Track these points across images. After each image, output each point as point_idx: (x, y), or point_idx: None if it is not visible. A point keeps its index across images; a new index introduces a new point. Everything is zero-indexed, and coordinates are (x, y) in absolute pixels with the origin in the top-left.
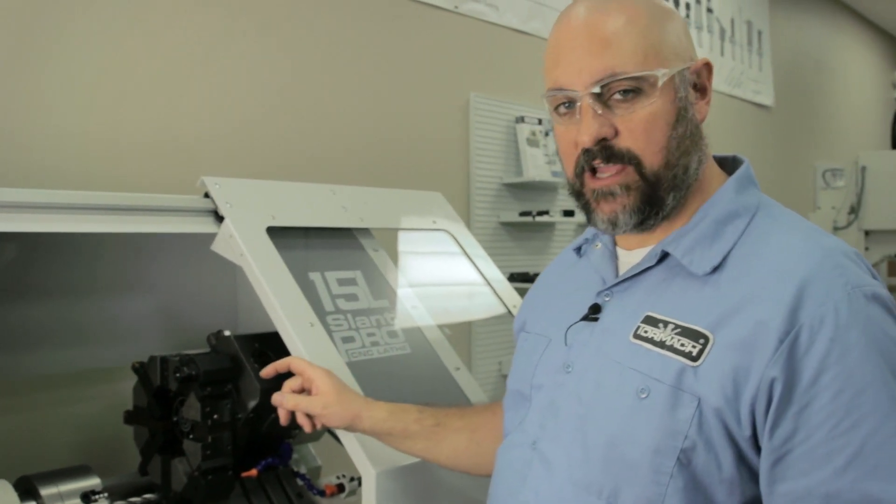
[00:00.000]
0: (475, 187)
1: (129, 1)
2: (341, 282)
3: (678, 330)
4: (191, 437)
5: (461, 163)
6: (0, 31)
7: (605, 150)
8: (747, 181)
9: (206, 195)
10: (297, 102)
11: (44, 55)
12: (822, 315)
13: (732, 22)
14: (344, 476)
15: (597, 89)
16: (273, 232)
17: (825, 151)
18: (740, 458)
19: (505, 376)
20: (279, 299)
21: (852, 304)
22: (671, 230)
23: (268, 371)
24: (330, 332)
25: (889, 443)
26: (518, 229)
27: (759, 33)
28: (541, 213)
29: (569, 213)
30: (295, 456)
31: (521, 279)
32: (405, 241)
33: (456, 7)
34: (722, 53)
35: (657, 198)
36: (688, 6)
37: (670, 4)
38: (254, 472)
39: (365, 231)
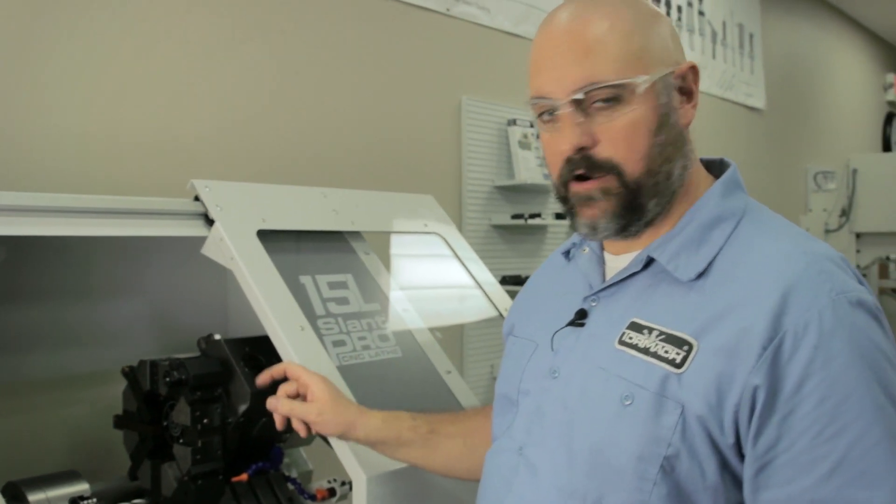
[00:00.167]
0: (467, 190)
1: (126, 5)
2: (332, 285)
3: (662, 336)
4: (181, 441)
5: (453, 165)
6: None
7: (585, 160)
8: (734, 185)
9: (197, 198)
10: (288, 105)
11: (42, 57)
12: (807, 321)
13: (724, 25)
14: (335, 480)
15: (579, 96)
16: (264, 235)
17: (816, 154)
18: (724, 465)
19: (496, 379)
20: (269, 303)
21: (837, 310)
22: (658, 235)
23: (263, 378)
24: (321, 336)
25: (873, 449)
26: (510, 232)
27: (751, 36)
28: (533, 216)
29: (561, 216)
30: (286, 460)
31: (513, 282)
32: (396, 245)
33: (448, 10)
34: (714, 56)
35: (638, 204)
36: (679, 9)
37: (658, 7)
38: (244, 476)
39: (356, 234)
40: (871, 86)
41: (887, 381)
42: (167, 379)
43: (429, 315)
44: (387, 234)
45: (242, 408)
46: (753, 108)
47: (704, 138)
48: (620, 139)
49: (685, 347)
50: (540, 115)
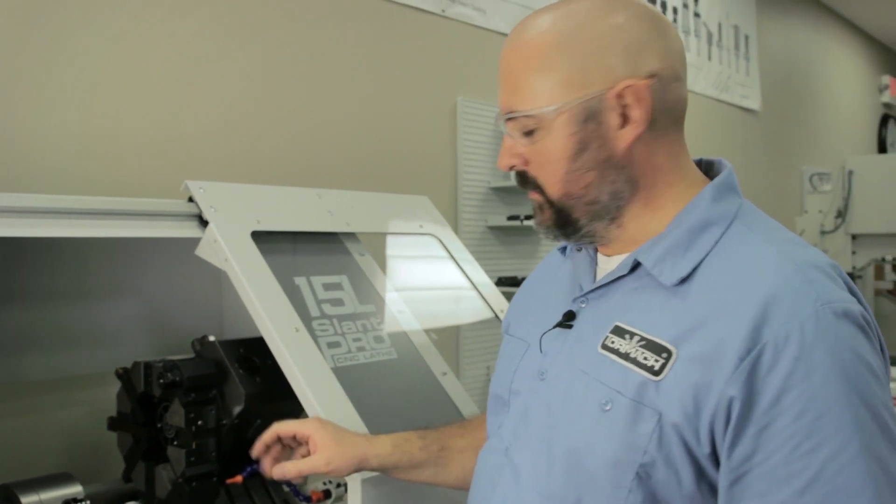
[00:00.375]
0: (463, 191)
1: (122, 6)
2: (327, 286)
3: (643, 343)
4: (175, 443)
5: (449, 166)
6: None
7: (518, 176)
8: (726, 188)
9: (191, 199)
10: (284, 106)
11: (39, 58)
12: (787, 333)
13: (720, 26)
14: (330, 482)
15: (505, 120)
16: (258, 236)
17: (812, 155)
18: (700, 474)
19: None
20: (264, 304)
21: (820, 321)
22: (647, 238)
23: (258, 450)
24: (315, 338)
25: (849, 467)
26: (506, 233)
27: (747, 38)
28: (529, 217)
29: None
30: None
31: (509, 283)
32: (392, 246)
33: (443, 11)
34: (709, 58)
35: (570, 220)
36: (675, 11)
37: (613, 19)
38: (239, 478)
39: (351, 235)
40: (866, 87)
41: (870, 395)
42: (161, 380)
43: (424, 316)
44: (382, 235)
45: (237, 409)
46: (749, 110)
47: (700, 140)
48: (538, 164)
49: (664, 355)
50: None
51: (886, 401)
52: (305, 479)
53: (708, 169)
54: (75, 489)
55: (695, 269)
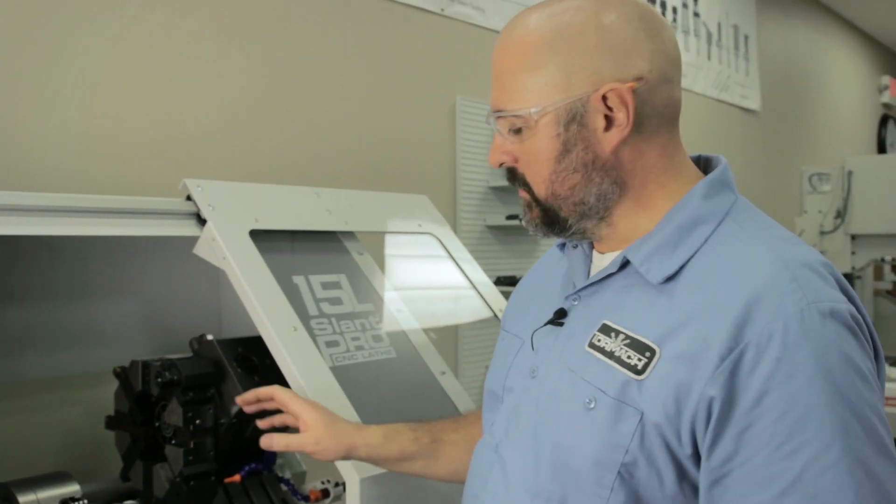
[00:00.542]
0: (461, 190)
1: (122, 6)
2: (325, 285)
3: (627, 341)
4: (173, 442)
5: (448, 166)
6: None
7: (508, 173)
8: (719, 185)
9: (189, 198)
10: (283, 105)
11: (39, 57)
12: (771, 332)
13: (719, 26)
14: (328, 481)
15: (494, 118)
16: (256, 235)
17: (812, 156)
18: (682, 475)
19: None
20: (262, 303)
21: (804, 321)
22: (638, 236)
23: (247, 398)
24: (314, 337)
25: (830, 471)
26: (505, 233)
27: (746, 38)
28: None
29: None
30: (279, 461)
31: (508, 283)
32: (390, 245)
33: (442, 10)
34: (709, 57)
35: (557, 219)
36: (675, 10)
37: (601, 19)
38: (237, 477)
39: (350, 234)
40: (866, 88)
41: (856, 397)
42: (159, 379)
43: (423, 316)
44: (381, 234)
45: (235, 409)
46: (748, 110)
47: (699, 140)
48: (525, 163)
49: (647, 354)
50: None
51: (875, 403)
52: (304, 478)
53: (706, 165)
54: (73, 488)
55: (682, 268)
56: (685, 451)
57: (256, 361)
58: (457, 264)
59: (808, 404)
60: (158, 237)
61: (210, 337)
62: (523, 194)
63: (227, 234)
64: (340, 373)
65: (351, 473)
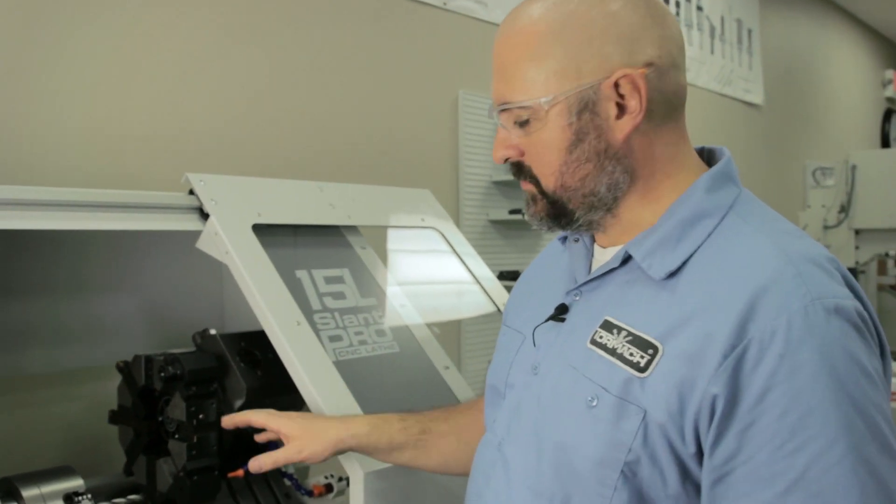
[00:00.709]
0: (464, 185)
1: (127, 2)
2: (328, 280)
3: (630, 338)
4: (176, 437)
5: (450, 160)
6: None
7: (513, 167)
8: (723, 178)
9: (191, 192)
10: (285, 100)
11: (41, 52)
12: (774, 329)
13: (722, 20)
14: (332, 476)
15: (498, 112)
16: (259, 229)
17: (815, 150)
18: (686, 474)
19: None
20: (265, 298)
21: (808, 317)
22: (641, 230)
23: (226, 423)
24: (317, 331)
25: (834, 469)
26: (507, 227)
27: (749, 31)
28: None
29: None
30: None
31: (511, 277)
32: (393, 239)
33: (444, 3)
34: (712, 51)
35: (565, 211)
36: (678, 4)
37: (607, 6)
38: (240, 472)
39: (353, 229)
40: (869, 82)
41: (860, 395)
42: (162, 374)
43: (426, 310)
44: (383, 228)
45: (238, 403)
46: (752, 104)
47: (702, 134)
48: (533, 154)
49: (650, 351)
50: None
51: (879, 402)
52: (307, 472)
53: (710, 158)
54: (76, 483)
55: (685, 263)
56: (689, 450)
57: (259, 356)
58: (460, 259)
59: (811, 401)
60: (161, 231)
61: (213, 331)
62: (528, 187)
63: (229, 228)
64: (344, 367)
65: (355, 468)
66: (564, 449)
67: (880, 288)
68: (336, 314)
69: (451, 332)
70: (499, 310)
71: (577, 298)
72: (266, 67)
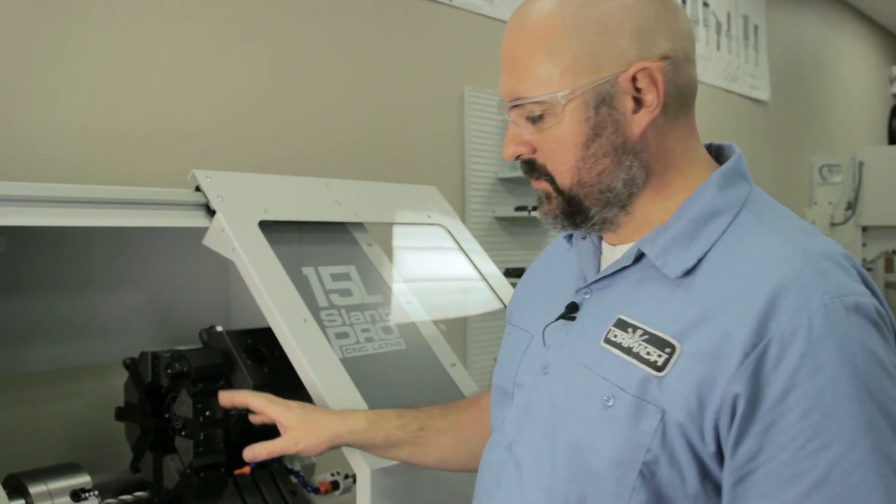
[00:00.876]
0: (470, 182)
1: None
2: (335, 277)
3: (646, 337)
4: (183, 434)
5: (456, 157)
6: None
7: (525, 164)
8: (735, 175)
9: (198, 188)
10: (290, 96)
11: (44, 48)
12: (795, 327)
13: (729, 16)
14: (338, 473)
15: (511, 107)
16: (265, 226)
17: (822, 147)
18: (705, 473)
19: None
20: (271, 294)
21: (829, 315)
22: (652, 227)
23: (224, 400)
24: (323, 328)
25: (858, 469)
26: (513, 224)
27: (756, 28)
28: (536, 208)
29: None
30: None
31: (517, 274)
32: (400, 236)
33: (450, 0)
34: (718, 48)
35: (579, 209)
36: (683, 0)
37: None
38: (247, 469)
39: (359, 225)
40: (876, 78)
41: (882, 393)
42: (169, 371)
43: (432, 307)
44: (390, 225)
45: None
46: (758, 101)
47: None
48: (548, 151)
49: (667, 350)
50: None
51: None
52: (313, 469)
53: (718, 154)
54: (83, 479)
55: (700, 261)
56: (708, 450)
57: (266, 353)
58: (466, 255)
59: (833, 401)
60: (167, 228)
61: (219, 328)
62: (542, 185)
63: (236, 225)
64: (350, 364)
65: (361, 465)
66: (579, 449)
67: (888, 285)
68: (343, 311)
69: (457, 329)
70: (505, 307)
71: (587, 297)
72: (270, 64)
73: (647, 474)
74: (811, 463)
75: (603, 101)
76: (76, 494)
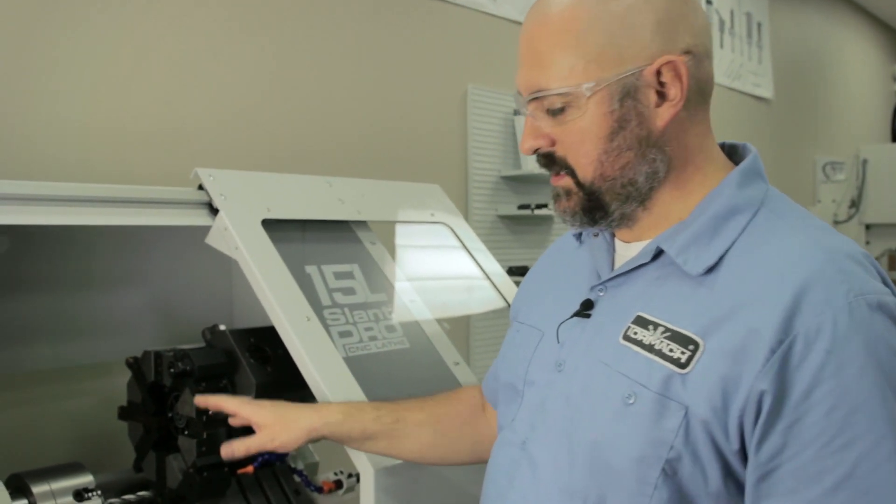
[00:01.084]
0: (473, 180)
1: None
2: (338, 275)
3: (668, 334)
4: (186, 433)
5: (459, 155)
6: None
7: (543, 158)
8: (753, 174)
9: (200, 187)
10: (292, 94)
11: (45, 46)
12: (820, 324)
13: (732, 14)
14: (342, 472)
15: (531, 100)
16: (268, 224)
17: (825, 144)
18: (728, 471)
19: (499, 367)
20: (274, 293)
21: (853, 313)
22: (670, 223)
23: (199, 401)
24: (327, 327)
25: (884, 465)
26: (516, 222)
27: (759, 25)
28: (539, 207)
29: None
30: (292, 452)
31: (520, 273)
32: (403, 234)
33: None
34: (721, 45)
35: (600, 204)
36: None
37: None
38: (250, 468)
39: (362, 224)
40: (880, 76)
41: None
42: (172, 370)
43: (436, 306)
44: (393, 223)
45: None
46: (761, 99)
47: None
48: (570, 144)
49: (691, 347)
50: None
51: None
52: (317, 468)
53: (731, 153)
54: (86, 479)
55: (721, 258)
56: (732, 447)
57: (269, 352)
58: (469, 254)
59: (859, 398)
60: (170, 227)
61: (223, 327)
62: (563, 181)
63: (239, 223)
64: (354, 363)
65: (365, 465)
66: (599, 447)
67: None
68: (346, 310)
69: (460, 328)
70: (509, 305)
71: (602, 294)
72: (273, 62)
73: (670, 472)
74: (836, 460)
75: (628, 94)
76: (79, 494)
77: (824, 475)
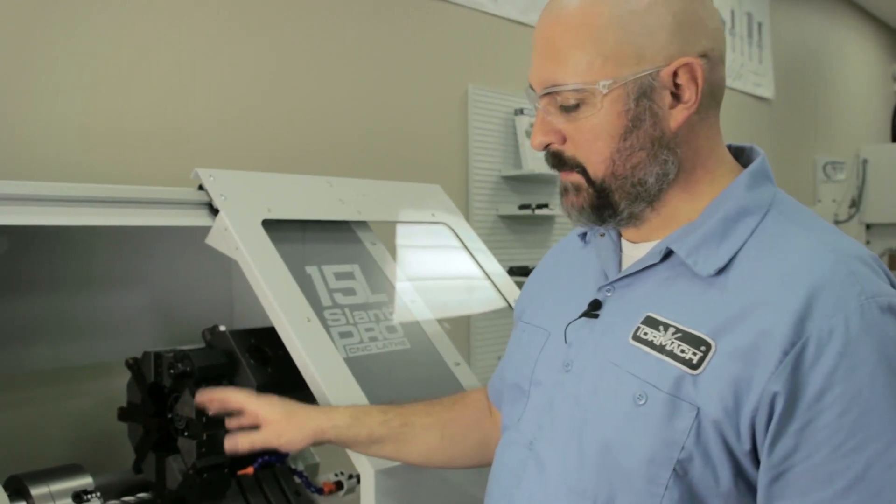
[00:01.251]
0: (474, 180)
1: None
2: (339, 276)
3: (679, 335)
4: (185, 434)
5: (459, 155)
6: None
7: (555, 155)
8: (761, 176)
9: (201, 187)
10: (293, 94)
11: (45, 46)
12: (832, 327)
13: (732, 13)
14: (342, 474)
15: (544, 94)
16: (269, 225)
17: (826, 144)
18: (739, 472)
19: (503, 366)
20: (275, 294)
21: (865, 315)
22: (678, 224)
23: (204, 399)
24: (327, 327)
25: (895, 467)
26: (517, 222)
27: (759, 25)
28: (540, 206)
29: None
30: (292, 453)
31: (521, 273)
32: (403, 235)
33: None
34: None
35: (609, 202)
36: None
37: None
38: (250, 469)
39: (363, 224)
40: (880, 76)
41: None
42: (172, 371)
43: (436, 306)
44: (393, 223)
45: None
46: (762, 98)
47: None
48: (582, 141)
49: (702, 347)
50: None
51: None
52: (317, 469)
53: (738, 155)
54: (85, 481)
55: (731, 260)
56: (743, 448)
57: (269, 352)
58: (470, 254)
59: (871, 400)
60: (170, 227)
61: (223, 328)
62: (573, 177)
63: (239, 223)
64: (354, 364)
65: (365, 466)
66: (609, 447)
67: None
68: (346, 310)
69: (461, 328)
70: (510, 305)
71: (609, 294)
72: (273, 62)
73: (681, 472)
74: (848, 461)
75: (643, 94)
76: (78, 496)
77: (836, 477)
